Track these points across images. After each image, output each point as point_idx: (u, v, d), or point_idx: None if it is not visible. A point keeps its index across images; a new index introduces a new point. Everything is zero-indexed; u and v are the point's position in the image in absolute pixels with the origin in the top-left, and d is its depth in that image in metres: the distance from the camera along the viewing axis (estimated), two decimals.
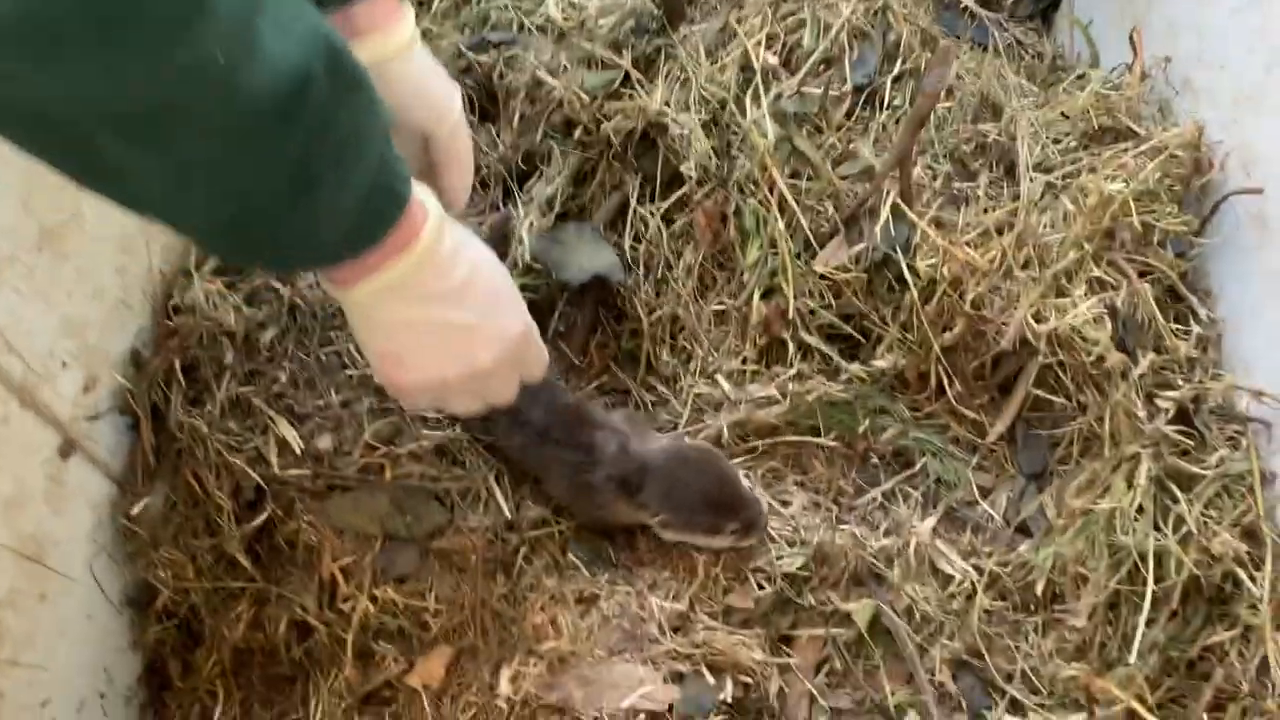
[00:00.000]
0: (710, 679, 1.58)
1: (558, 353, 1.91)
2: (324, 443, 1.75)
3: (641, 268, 1.89)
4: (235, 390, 1.74)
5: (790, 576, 1.67)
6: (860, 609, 1.67)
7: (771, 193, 1.84)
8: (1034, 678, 1.63)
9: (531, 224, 1.88)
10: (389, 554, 1.71)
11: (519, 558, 1.76)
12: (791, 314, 1.81)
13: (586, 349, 1.93)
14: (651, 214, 1.89)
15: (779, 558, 1.68)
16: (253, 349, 1.77)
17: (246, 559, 1.71)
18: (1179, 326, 1.81)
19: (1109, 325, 1.74)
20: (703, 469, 1.63)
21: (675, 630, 1.63)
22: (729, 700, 1.57)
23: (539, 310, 1.91)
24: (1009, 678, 1.64)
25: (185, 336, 1.74)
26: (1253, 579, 1.57)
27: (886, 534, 1.77)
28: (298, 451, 1.72)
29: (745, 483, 1.66)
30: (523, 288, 1.85)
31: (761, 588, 1.67)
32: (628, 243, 1.90)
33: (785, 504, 1.77)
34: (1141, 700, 1.54)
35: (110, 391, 1.71)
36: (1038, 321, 1.74)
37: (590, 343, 1.93)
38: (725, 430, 1.79)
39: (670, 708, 1.55)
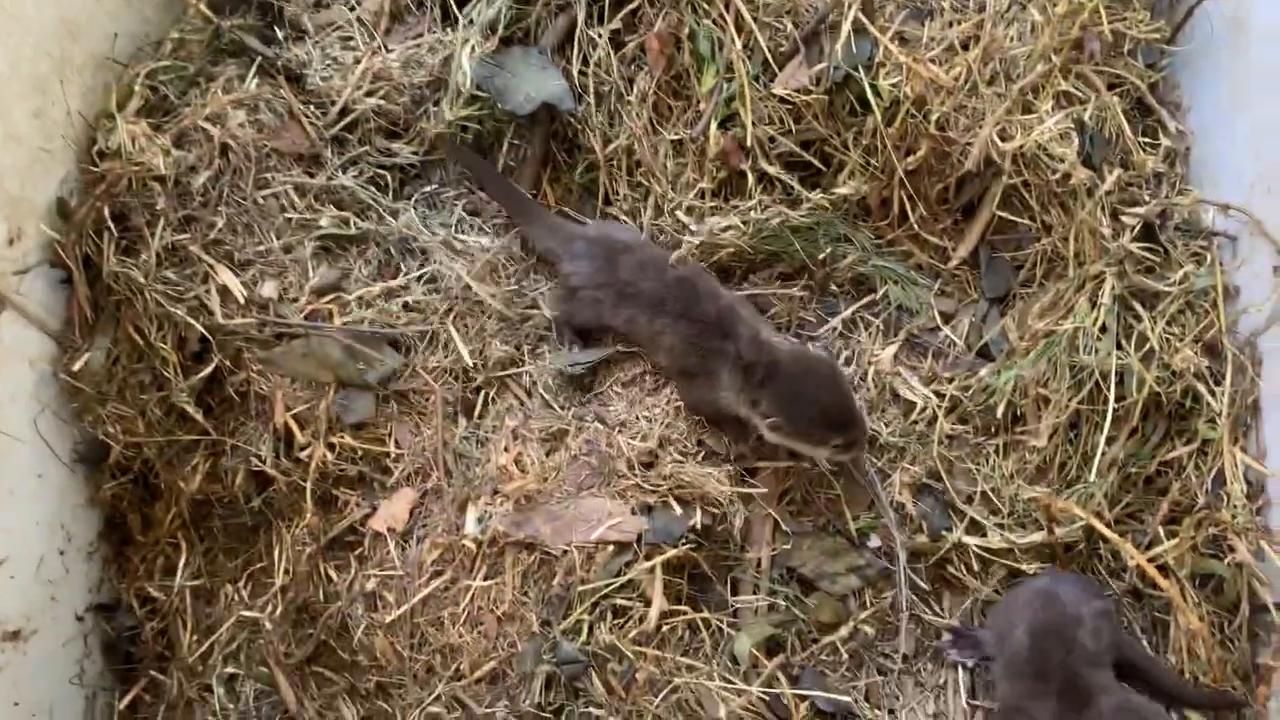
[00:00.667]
0: (678, 509, 1.58)
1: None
2: (268, 290, 1.69)
3: (592, 95, 1.79)
4: (170, 238, 1.66)
5: None
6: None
7: (727, 9, 1.74)
8: (994, 498, 1.65)
9: (473, 49, 1.76)
10: (344, 400, 1.68)
11: (481, 399, 1.74)
12: (750, 142, 1.74)
13: (538, 184, 1.84)
14: (600, 36, 1.78)
15: None
16: (185, 194, 1.68)
17: (197, 411, 1.68)
18: (1147, 140, 1.76)
19: (1075, 141, 1.68)
20: (825, 383, 1.59)
21: (645, 467, 1.62)
22: (698, 528, 1.58)
23: (485, 143, 1.83)
24: (969, 499, 1.66)
25: (113, 183, 1.65)
26: (1212, 393, 1.58)
27: (848, 363, 1.76)
28: (241, 300, 1.67)
29: (857, 401, 1.63)
30: (466, 120, 1.78)
31: None
32: (576, 69, 1.79)
33: None
34: (1100, 516, 1.56)
35: (38, 244, 1.63)
36: (1003, 140, 1.68)
37: (542, 177, 1.85)
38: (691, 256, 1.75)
39: (639, 538, 1.56)
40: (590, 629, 1.53)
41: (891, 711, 1.62)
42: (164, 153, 1.67)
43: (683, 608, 1.57)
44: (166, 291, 1.64)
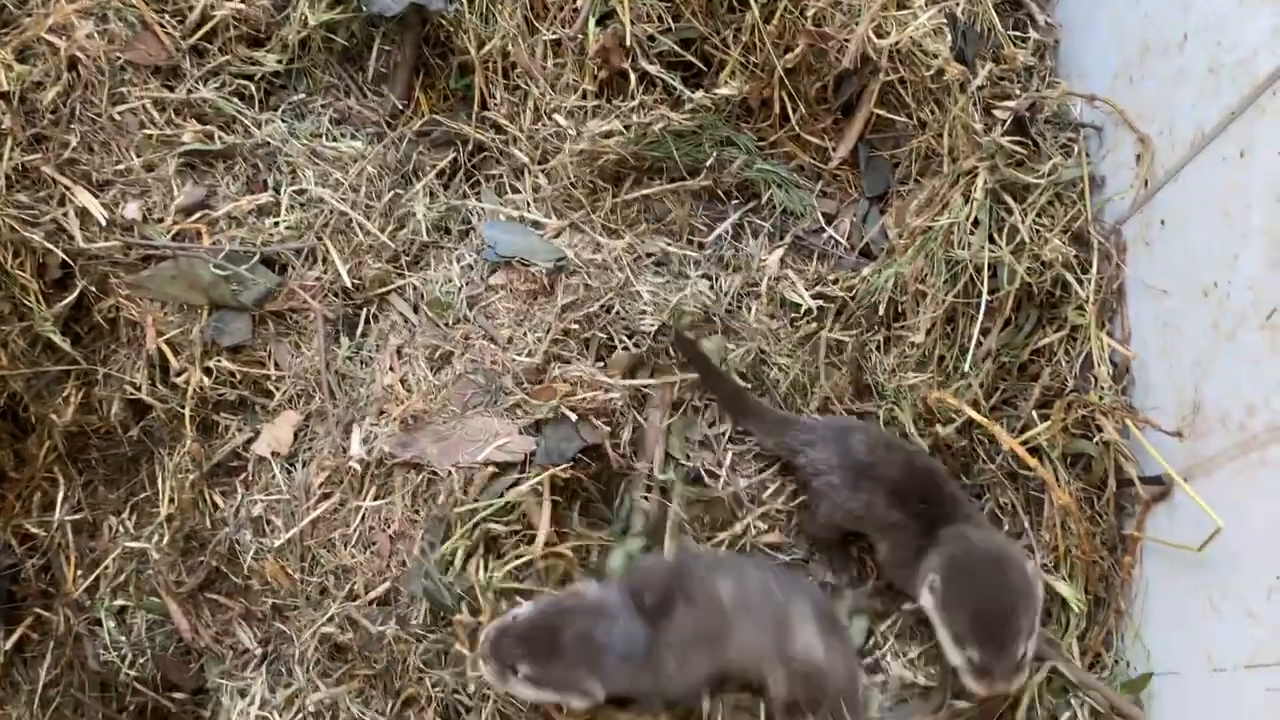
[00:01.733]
0: (572, 416, 1.57)
1: (379, 98, 1.77)
2: (131, 210, 1.62)
3: None
4: (20, 158, 1.58)
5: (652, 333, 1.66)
6: (711, 345, 1.67)
7: None
8: (876, 393, 1.68)
9: None
10: (218, 323, 1.63)
11: (363, 317, 1.70)
12: (629, 41, 1.70)
13: (410, 91, 1.78)
14: None
15: (641, 314, 1.66)
16: (33, 111, 1.59)
17: (64, 340, 1.61)
18: (1017, 34, 1.79)
19: (949, 36, 1.70)
20: (996, 590, 1.42)
21: (534, 383, 1.60)
22: (591, 444, 1.57)
23: (354, 50, 1.76)
24: (860, 395, 1.69)
25: None
26: (1080, 281, 1.63)
27: (736, 270, 1.76)
28: (102, 222, 1.60)
29: (1024, 625, 1.41)
30: (330, 26, 1.71)
31: (629, 348, 1.65)
32: None
33: (657, 266, 1.73)
34: (976, 406, 1.61)
35: None
36: (879, 36, 1.68)
37: (414, 84, 1.79)
38: (570, 168, 1.72)
39: (527, 458, 1.55)
40: (466, 559, 1.50)
41: None
42: (5, 68, 1.57)
43: (566, 531, 1.56)
44: (20, 215, 1.56)
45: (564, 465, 1.54)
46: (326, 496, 1.60)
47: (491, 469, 1.52)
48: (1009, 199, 1.65)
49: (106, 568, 1.67)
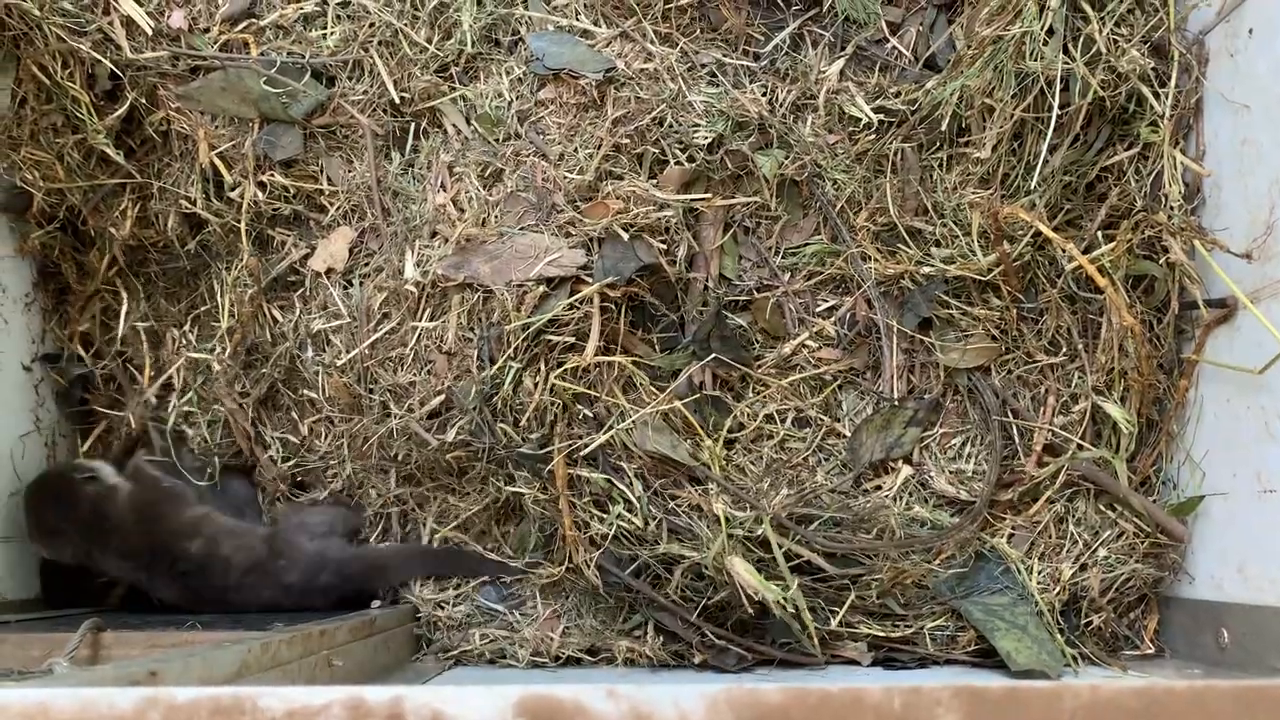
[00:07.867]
0: (624, 235, 1.56)
1: None
2: (176, 20, 1.60)
3: None
4: None
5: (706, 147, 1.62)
6: (767, 162, 1.63)
7: None
8: (934, 211, 1.64)
9: None
10: (270, 137, 1.62)
11: (412, 132, 1.68)
12: None
13: None
14: None
15: (695, 126, 1.61)
16: None
17: (117, 153, 1.62)
18: None
19: None
20: None
21: (586, 201, 1.58)
22: (647, 263, 1.57)
23: None
24: (917, 211, 1.65)
25: None
26: (1156, 96, 1.55)
27: (793, 81, 1.70)
28: (148, 31, 1.57)
29: None
30: None
31: (682, 163, 1.61)
32: None
33: (711, 77, 1.67)
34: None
35: None
36: None
37: None
38: None
39: (579, 274, 1.54)
40: (519, 377, 1.53)
41: (837, 419, 1.67)
42: None
43: (627, 346, 1.58)
44: (66, 24, 1.54)
45: (625, 284, 1.54)
46: (386, 318, 1.62)
47: (543, 288, 1.52)
48: (1086, 6, 1.55)
49: (171, 378, 1.72)
